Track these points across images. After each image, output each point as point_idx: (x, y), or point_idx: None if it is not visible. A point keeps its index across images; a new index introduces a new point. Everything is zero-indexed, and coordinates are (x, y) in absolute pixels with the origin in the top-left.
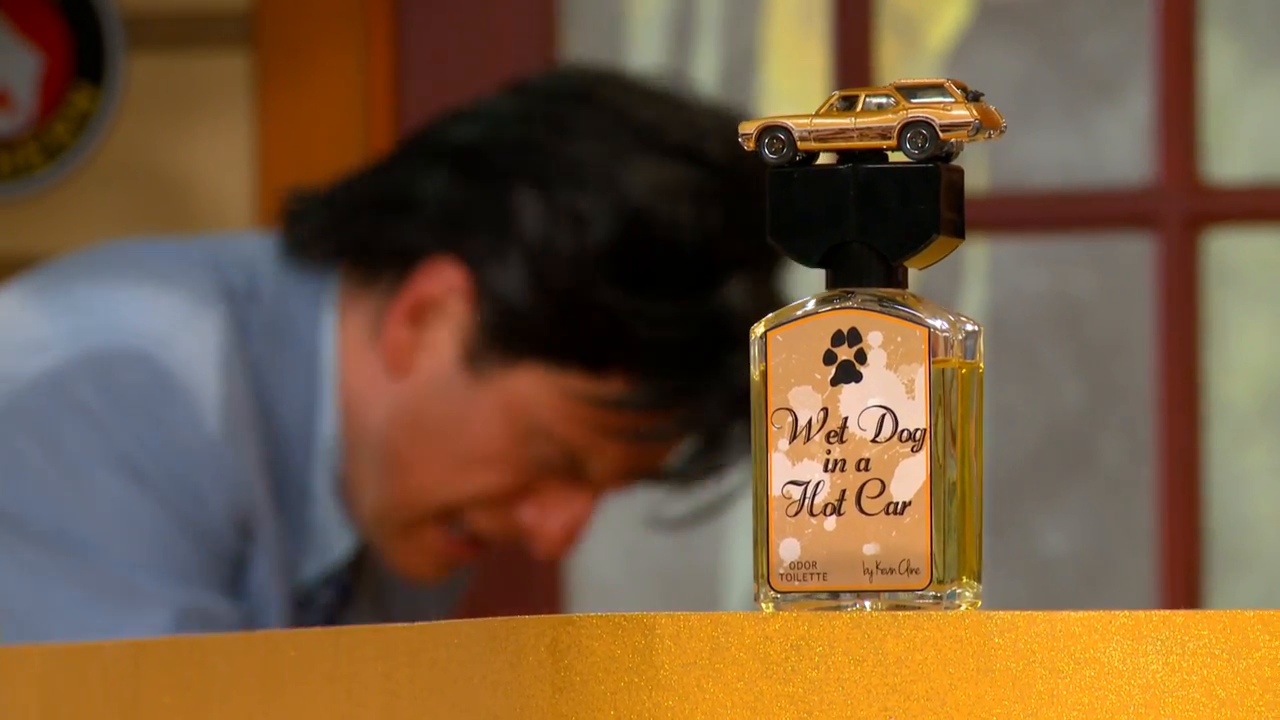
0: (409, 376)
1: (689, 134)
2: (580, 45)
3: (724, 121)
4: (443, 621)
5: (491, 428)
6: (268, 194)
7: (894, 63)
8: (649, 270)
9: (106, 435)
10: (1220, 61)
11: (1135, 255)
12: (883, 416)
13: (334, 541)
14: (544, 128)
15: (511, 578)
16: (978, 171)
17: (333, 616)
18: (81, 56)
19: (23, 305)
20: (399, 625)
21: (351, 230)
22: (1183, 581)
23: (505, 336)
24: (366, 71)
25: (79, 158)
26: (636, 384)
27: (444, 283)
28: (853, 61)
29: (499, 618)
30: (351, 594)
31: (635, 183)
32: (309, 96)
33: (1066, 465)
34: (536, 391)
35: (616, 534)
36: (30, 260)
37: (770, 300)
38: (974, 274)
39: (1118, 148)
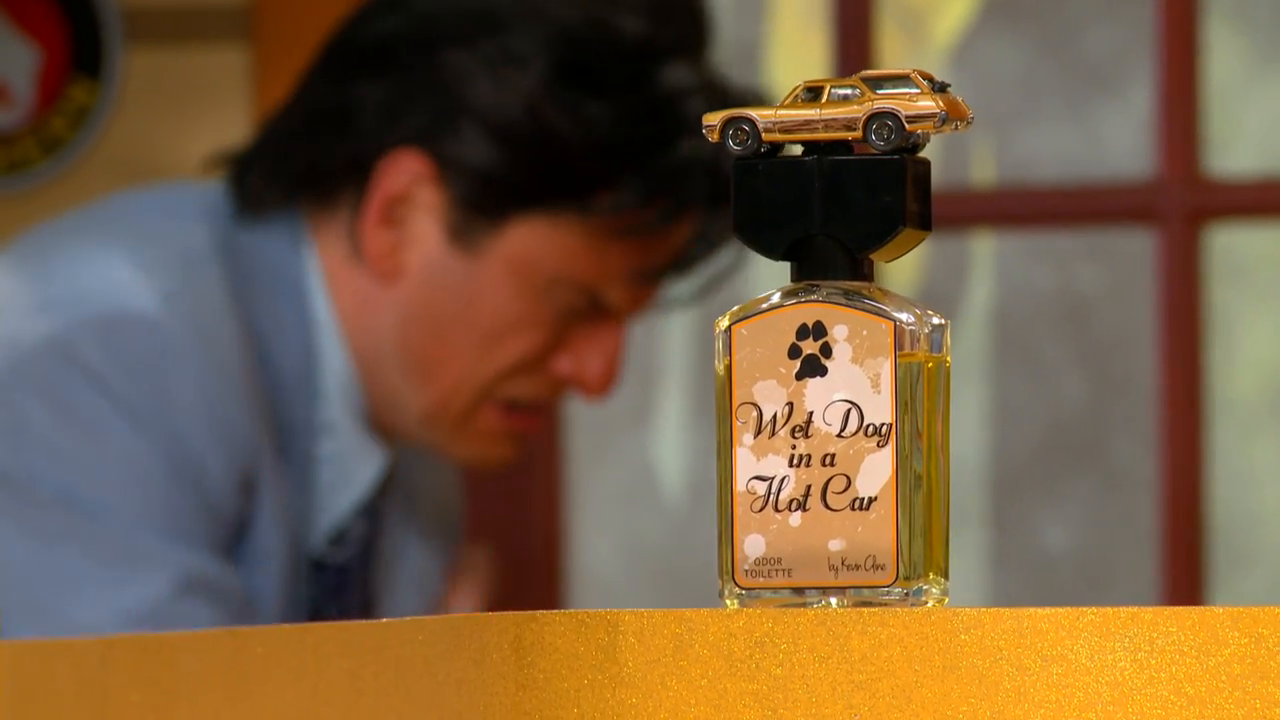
0: (403, 277)
1: None
2: None
3: None
4: (408, 618)
5: (505, 293)
6: None
7: (899, 57)
8: (594, 82)
9: (112, 396)
10: (1223, 56)
11: (1137, 250)
12: (848, 411)
13: (362, 469)
14: None
15: (512, 573)
16: (985, 166)
17: (368, 548)
18: (79, 50)
19: (18, 269)
20: (365, 622)
21: (298, 161)
22: (1186, 578)
23: (484, 202)
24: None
25: (77, 152)
26: (618, 190)
27: (405, 173)
28: (853, 54)
29: (463, 614)
30: (381, 518)
31: (556, 7)
32: None
33: (1069, 461)
34: (535, 242)
35: (617, 531)
36: None
37: (708, 75)
38: (979, 270)
39: (1119, 142)
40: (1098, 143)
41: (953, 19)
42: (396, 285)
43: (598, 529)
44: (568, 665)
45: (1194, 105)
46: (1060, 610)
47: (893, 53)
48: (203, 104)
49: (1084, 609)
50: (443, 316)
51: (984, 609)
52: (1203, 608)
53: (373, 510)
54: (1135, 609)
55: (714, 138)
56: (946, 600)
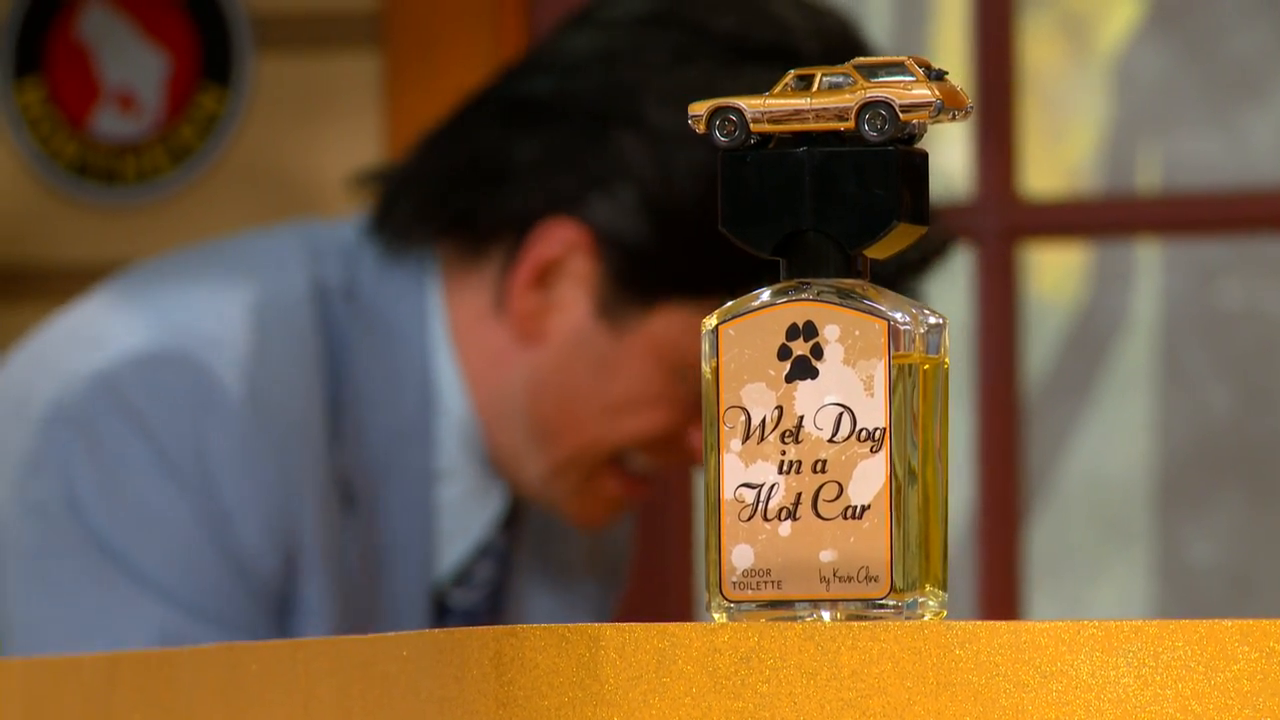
0: (544, 341)
1: (775, 33)
2: None
3: (810, 14)
4: (393, 634)
5: (643, 373)
6: None
7: (1057, 62)
8: None
9: (147, 436)
10: None
11: None
12: (840, 415)
13: (481, 510)
14: (626, 62)
15: (650, 584)
16: (1151, 172)
17: (498, 590)
18: (209, 58)
19: (104, 300)
20: (352, 638)
21: (450, 207)
22: None
23: (637, 281)
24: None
25: (206, 161)
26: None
27: (562, 241)
28: (994, 56)
29: (444, 629)
30: (510, 561)
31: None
32: (438, 97)
33: (1219, 474)
34: (684, 329)
35: None
36: None
37: None
38: (1137, 280)
39: (1264, 147)
40: (1244, 148)
41: (1118, 25)
42: (535, 348)
43: None
44: (548, 682)
45: None
46: (1060, 623)
47: (1049, 57)
48: (333, 112)
49: (1085, 622)
50: (576, 387)
51: (980, 622)
52: (1209, 620)
53: (500, 553)
54: (1139, 622)
55: (700, 128)
56: (944, 613)
